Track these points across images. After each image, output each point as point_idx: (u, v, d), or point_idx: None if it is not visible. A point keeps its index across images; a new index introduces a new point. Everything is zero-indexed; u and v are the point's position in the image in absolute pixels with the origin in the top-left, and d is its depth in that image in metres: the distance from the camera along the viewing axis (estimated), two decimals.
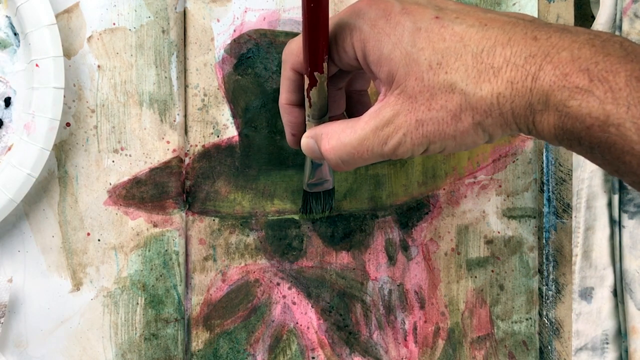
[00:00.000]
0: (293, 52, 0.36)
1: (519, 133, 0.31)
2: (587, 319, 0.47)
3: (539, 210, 0.47)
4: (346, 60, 0.34)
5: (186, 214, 0.44)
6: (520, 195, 0.47)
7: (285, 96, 0.38)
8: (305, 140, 0.37)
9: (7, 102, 0.41)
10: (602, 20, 0.46)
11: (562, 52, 0.28)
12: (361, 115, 0.34)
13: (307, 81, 0.35)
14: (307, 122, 0.37)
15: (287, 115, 0.39)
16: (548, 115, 0.28)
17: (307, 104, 0.36)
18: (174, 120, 0.43)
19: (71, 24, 0.42)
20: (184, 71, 0.43)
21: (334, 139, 0.34)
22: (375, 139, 0.32)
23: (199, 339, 0.44)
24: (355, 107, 0.41)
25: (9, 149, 0.41)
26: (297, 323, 0.46)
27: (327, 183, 0.43)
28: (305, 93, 0.36)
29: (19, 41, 0.41)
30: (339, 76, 0.38)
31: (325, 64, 0.34)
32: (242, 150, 0.44)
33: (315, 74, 0.35)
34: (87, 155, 0.42)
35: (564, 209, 0.46)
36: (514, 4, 0.46)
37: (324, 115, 0.37)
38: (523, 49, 0.29)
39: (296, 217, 0.45)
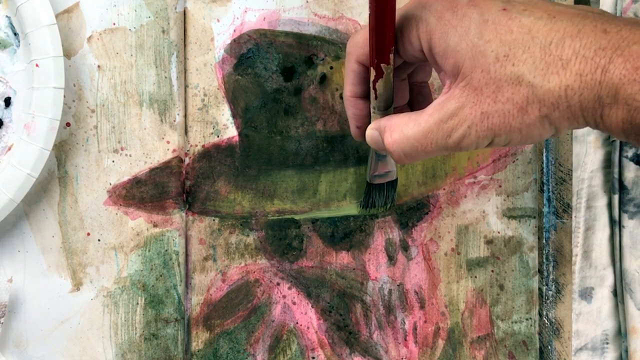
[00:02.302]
0: (358, 44, 0.36)
1: (585, 127, 0.30)
2: (587, 319, 0.47)
3: (539, 210, 0.47)
4: (411, 52, 0.34)
5: (186, 214, 0.44)
6: (520, 195, 0.47)
7: (349, 88, 0.38)
8: (370, 132, 0.37)
9: (7, 102, 0.41)
10: None
11: (632, 45, 0.28)
12: (422, 106, 0.34)
13: (373, 73, 0.35)
14: (372, 114, 0.37)
15: (351, 107, 0.39)
16: (617, 109, 0.28)
17: (372, 95, 0.36)
18: (174, 120, 0.43)
19: (71, 24, 0.42)
20: (184, 71, 0.43)
21: (397, 132, 0.34)
22: (439, 131, 0.32)
23: (199, 339, 0.44)
24: (416, 98, 0.41)
25: (9, 149, 0.41)
26: (297, 323, 0.46)
27: (391, 174, 0.42)
28: (371, 85, 0.36)
29: (19, 41, 0.41)
30: (402, 67, 0.38)
31: (391, 56, 0.34)
32: (242, 150, 0.44)
33: (382, 65, 0.35)
34: (87, 155, 0.42)
35: (564, 209, 0.46)
36: None
37: (389, 107, 0.37)
38: (593, 42, 0.29)
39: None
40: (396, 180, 0.43)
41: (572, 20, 0.30)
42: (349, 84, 0.38)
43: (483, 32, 0.31)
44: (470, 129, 0.31)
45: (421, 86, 0.40)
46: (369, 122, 0.38)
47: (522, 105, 0.30)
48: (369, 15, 0.33)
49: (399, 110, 0.39)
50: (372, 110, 0.37)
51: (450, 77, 0.32)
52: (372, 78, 0.36)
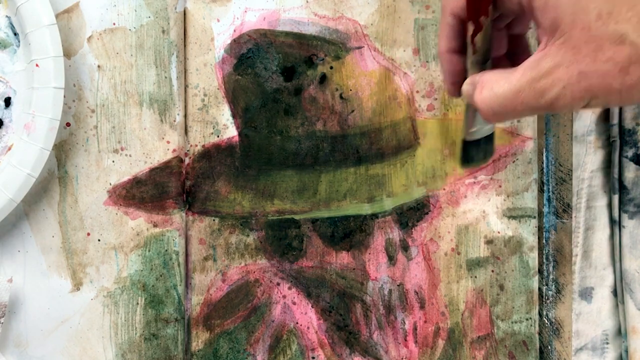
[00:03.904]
0: None
1: None
2: (587, 319, 0.47)
3: (539, 210, 0.47)
4: (509, 5, 0.33)
5: (186, 214, 0.44)
6: (520, 195, 0.47)
7: (445, 43, 0.37)
8: (466, 87, 0.36)
9: (7, 102, 0.41)
10: None
11: None
12: (519, 58, 0.32)
13: (471, 26, 0.35)
14: (469, 69, 0.36)
15: (447, 63, 0.38)
16: None
17: (470, 50, 0.36)
18: (174, 120, 0.43)
19: (71, 24, 0.42)
20: (184, 71, 0.43)
21: (487, 89, 0.33)
22: (531, 91, 0.31)
23: (199, 339, 0.44)
24: (514, 50, 0.39)
25: (9, 149, 0.41)
26: (297, 323, 0.46)
27: (488, 128, 0.41)
28: (469, 39, 0.35)
29: (19, 41, 0.41)
30: (499, 18, 0.37)
31: (490, 8, 0.34)
32: (242, 150, 0.44)
33: (482, 18, 0.34)
34: (87, 155, 0.42)
35: (564, 209, 0.46)
36: None
37: (487, 61, 0.36)
38: None
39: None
40: (493, 133, 0.41)
41: None
42: (444, 38, 0.37)
43: None
44: (566, 89, 0.30)
45: (518, 39, 0.39)
46: (465, 78, 0.37)
47: (624, 65, 0.29)
48: None
49: (496, 60, 0.38)
50: (469, 64, 0.36)
51: (547, 33, 0.31)
52: (470, 32, 0.35)
